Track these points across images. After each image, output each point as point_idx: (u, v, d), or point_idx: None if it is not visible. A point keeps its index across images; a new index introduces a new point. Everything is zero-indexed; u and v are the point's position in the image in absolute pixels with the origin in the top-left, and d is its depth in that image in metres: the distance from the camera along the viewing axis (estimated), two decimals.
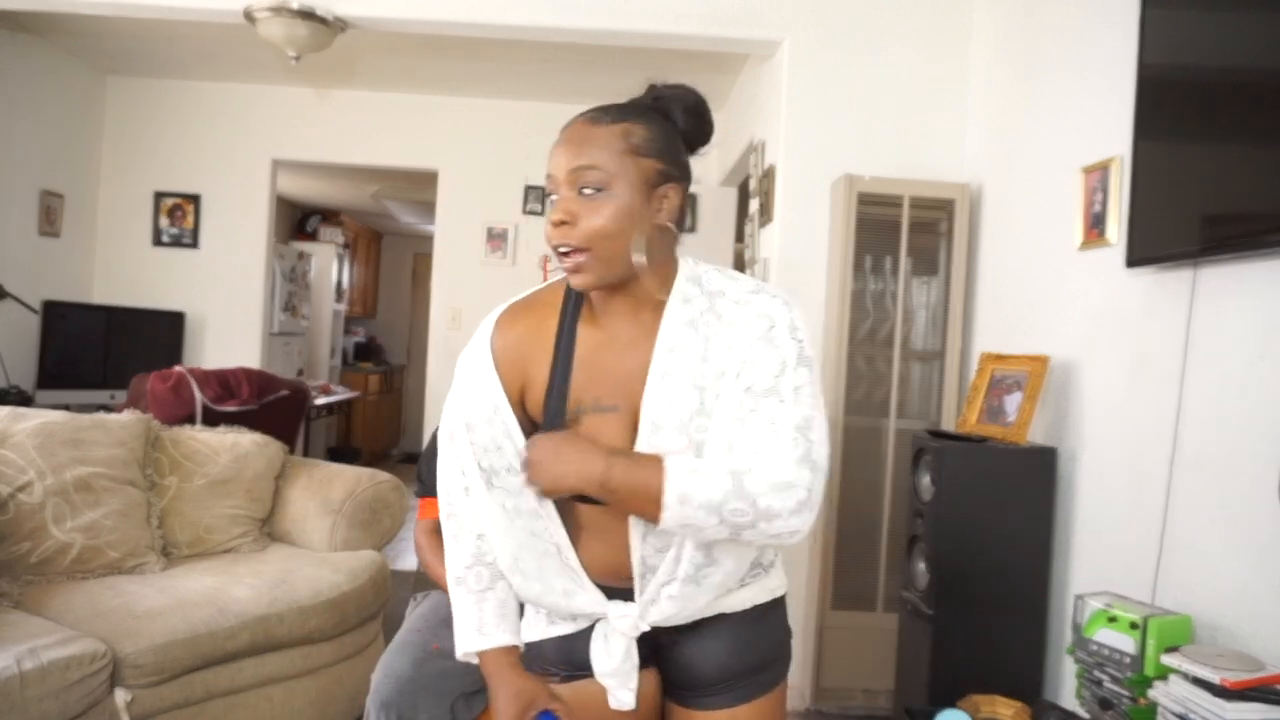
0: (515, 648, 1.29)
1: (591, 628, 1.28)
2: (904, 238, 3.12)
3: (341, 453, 7.22)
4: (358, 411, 7.97)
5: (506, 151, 5.13)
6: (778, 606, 1.34)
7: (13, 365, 4.33)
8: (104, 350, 4.73)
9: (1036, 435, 2.62)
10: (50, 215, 4.68)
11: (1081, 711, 2.05)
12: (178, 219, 5.12)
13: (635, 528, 1.21)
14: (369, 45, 4.21)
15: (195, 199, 5.12)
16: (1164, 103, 2.08)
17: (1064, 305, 2.59)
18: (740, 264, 4.47)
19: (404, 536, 4.51)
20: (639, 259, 1.17)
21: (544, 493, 1.21)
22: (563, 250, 1.18)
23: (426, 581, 2.20)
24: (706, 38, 3.37)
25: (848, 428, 3.13)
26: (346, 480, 3.05)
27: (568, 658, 1.30)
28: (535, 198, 5.20)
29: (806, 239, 3.27)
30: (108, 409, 3.18)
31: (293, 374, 6.33)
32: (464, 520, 1.30)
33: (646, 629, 1.24)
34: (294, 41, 3.32)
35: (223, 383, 3.39)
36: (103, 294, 5.05)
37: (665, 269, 1.23)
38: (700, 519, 1.11)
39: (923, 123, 3.29)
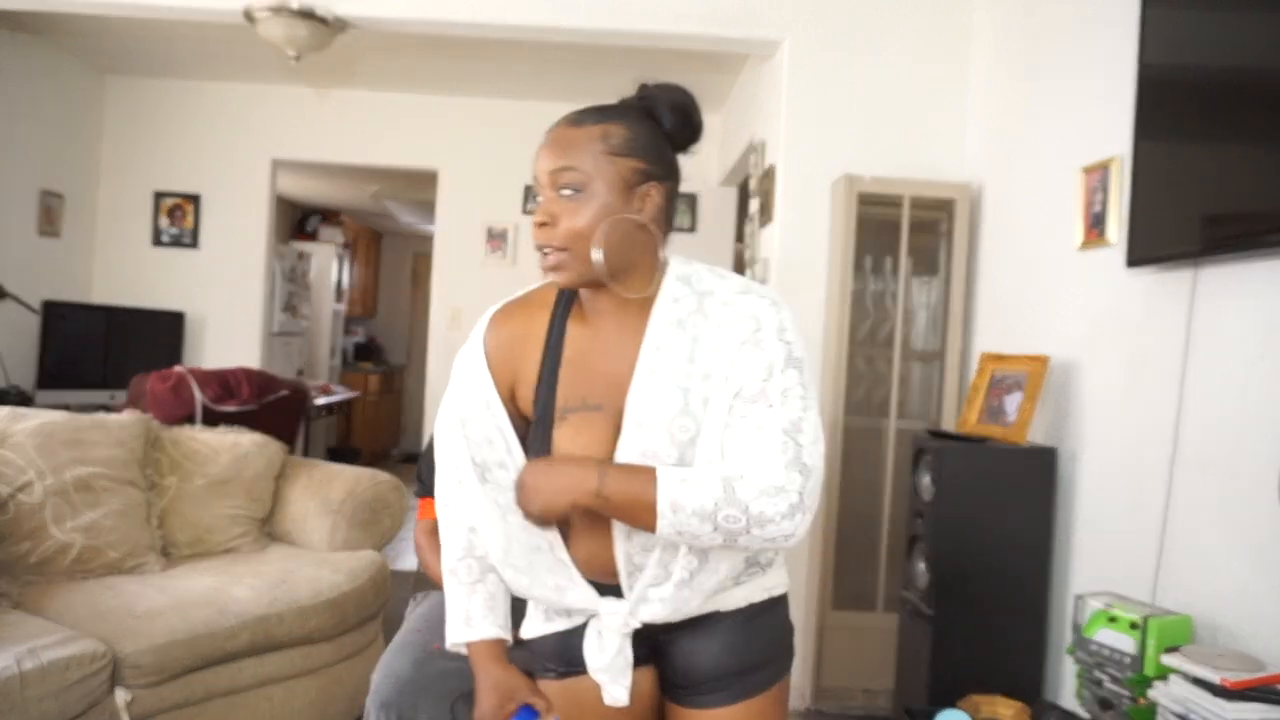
0: (501, 640, 1.31)
1: (586, 624, 1.29)
2: (904, 238, 3.12)
3: (341, 453, 7.22)
4: (358, 411, 7.97)
5: (506, 151, 5.12)
6: (777, 605, 1.33)
7: (13, 365, 4.32)
8: (104, 350, 4.73)
9: (1037, 435, 2.62)
10: (50, 215, 4.67)
11: (1081, 711, 2.05)
12: (177, 219, 5.12)
13: (619, 525, 1.21)
14: (369, 45, 4.21)
15: (195, 199, 5.11)
16: (1164, 103, 2.08)
17: (1064, 305, 2.59)
18: (740, 264, 4.47)
19: (404, 536, 4.50)
20: (596, 256, 1.18)
21: (540, 515, 1.21)
22: (545, 250, 1.21)
23: (426, 581, 2.20)
24: (706, 38, 3.37)
25: (848, 428, 3.13)
26: (346, 480, 3.05)
27: (564, 654, 1.31)
28: (535, 198, 5.19)
29: (806, 239, 3.27)
30: (108, 409, 3.19)
31: (293, 374, 6.32)
32: (457, 513, 1.32)
33: (637, 626, 1.25)
34: (294, 41, 3.32)
35: (223, 383, 3.39)
36: (103, 294, 5.04)
37: (646, 267, 1.24)
38: (694, 526, 1.12)
39: (923, 123, 3.29)
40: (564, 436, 1.24)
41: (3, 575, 2.37)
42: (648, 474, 1.14)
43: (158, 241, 5.11)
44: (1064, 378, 2.54)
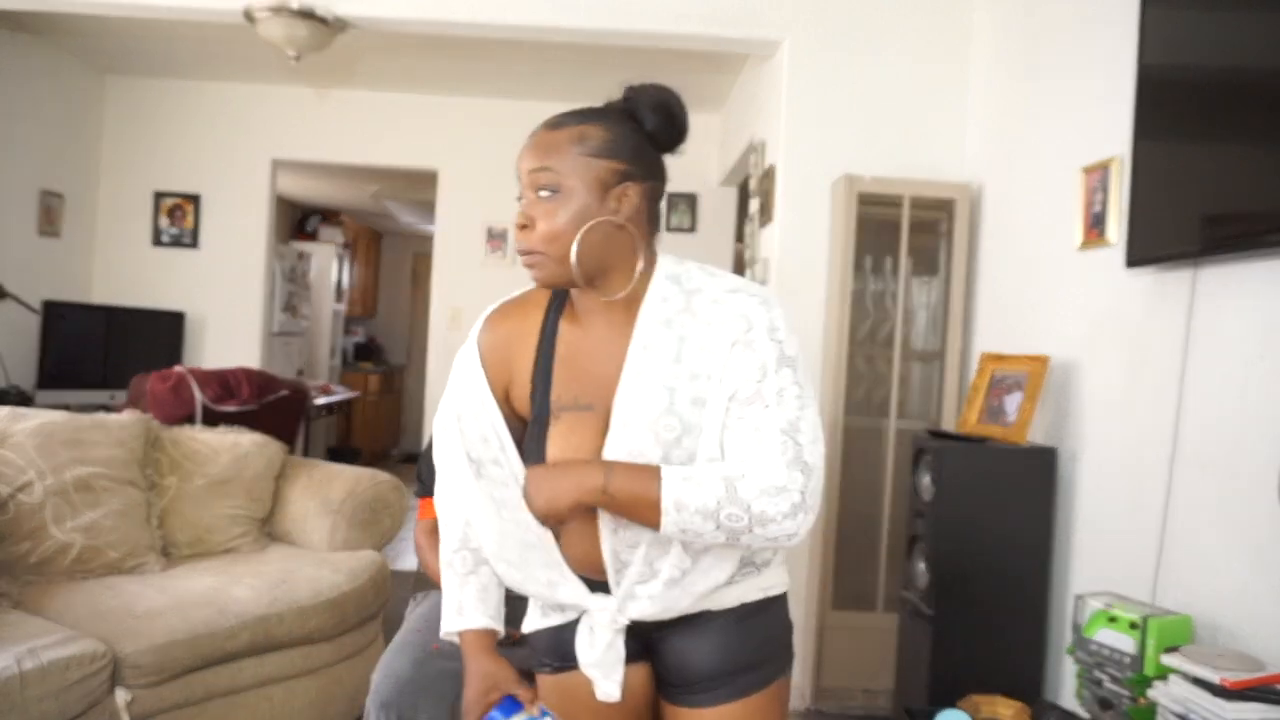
0: (491, 631, 1.34)
1: (579, 619, 1.30)
2: (904, 238, 3.12)
3: (341, 453, 7.23)
4: (358, 411, 7.97)
5: (506, 151, 4.99)
6: (773, 604, 1.33)
7: (13, 365, 4.32)
8: (104, 350, 4.73)
9: (1036, 435, 2.62)
10: (50, 215, 4.67)
11: (1081, 711, 2.05)
12: (177, 219, 5.12)
13: (605, 521, 1.22)
14: (369, 45, 4.21)
15: (195, 199, 5.11)
16: (1164, 103, 2.08)
17: (1064, 305, 2.59)
18: (740, 264, 4.47)
19: (404, 536, 4.50)
20: (573, 258, 1.19)
21: (544, 512, 1.20)
22: (523, 252, 1.23)
23: (426, 581, 2.20)
24: (706, 38, 3.37)
25: (848, 428, 3.13)
26: (346, 480, 3.05)
27: (558, 649, 1.32)
28: None
29: (806, 239, 3.27)
30: (108, 409, 3.19)
31: (293, 374, 6.32)
32: (454, 506, 1.34)
33: (626, 622, 1.25)
34: (294, 41, 3.32)
35: (222, 383, 3.39)
36: (102, 294, 5.04)
37: (627, 267, 1.24)
38: (697, 525, 1.12)
39: (923, 123, 3.29)
40: (557, 435, 1.25)
41: (3, 575, 2.37)
42: (652, 472, 1.14)
43: (158, 241, 5.11)
44: (1064, 378, 2.54)
